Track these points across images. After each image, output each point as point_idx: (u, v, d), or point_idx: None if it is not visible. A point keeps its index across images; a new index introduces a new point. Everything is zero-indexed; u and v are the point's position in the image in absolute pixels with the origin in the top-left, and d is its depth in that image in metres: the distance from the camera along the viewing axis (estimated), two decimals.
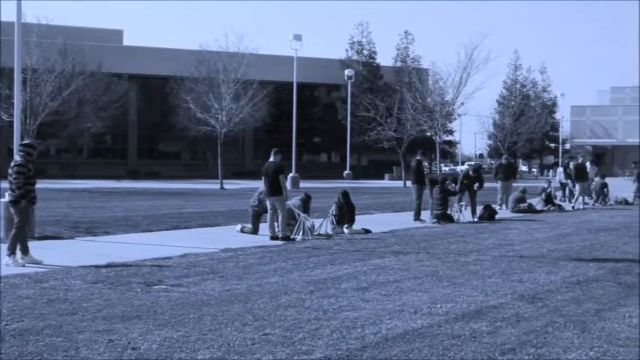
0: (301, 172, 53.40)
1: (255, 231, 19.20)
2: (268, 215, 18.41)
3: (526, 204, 28.34)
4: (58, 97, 47.08)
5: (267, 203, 18.46)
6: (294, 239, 17.92)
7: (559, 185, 36.12)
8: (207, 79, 52.32)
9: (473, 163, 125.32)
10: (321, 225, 19.40)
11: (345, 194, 20.68)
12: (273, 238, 17.84)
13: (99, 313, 9.41)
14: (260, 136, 74.41)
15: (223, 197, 37.25)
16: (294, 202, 19.78)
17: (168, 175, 66.28)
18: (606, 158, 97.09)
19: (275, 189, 18.14)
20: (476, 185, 25.71)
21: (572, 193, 33.25)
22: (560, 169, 35.43)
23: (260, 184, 19.17)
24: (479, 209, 25.07)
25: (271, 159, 18.41)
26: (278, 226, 18.08)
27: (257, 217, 19.42)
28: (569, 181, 33.60)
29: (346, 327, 8.92)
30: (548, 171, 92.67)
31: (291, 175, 50.04)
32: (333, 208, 20.27)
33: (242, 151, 78.45)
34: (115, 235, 18.81)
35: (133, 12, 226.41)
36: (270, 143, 77.08)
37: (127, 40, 79.89)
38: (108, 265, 13.26)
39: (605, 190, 34.12)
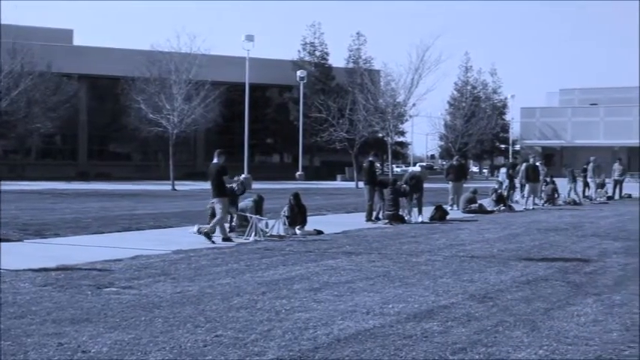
0: (253, 173, 53.23)
1: (213, 232, 19.07)
2: (217, 217, 18.16)
3: (477, 204, 28.58)
4: (7, 97, 46.46)
5: (215, 205, 18.33)
6: (230, 239, 17.85)
7: (518, 186, 36.35)
8: (159, 79, 52.02)
9: (424, 164, 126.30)
10: (273, 226, 19.38)
11: (295, 196, 20.69)
12: (225, 239, 17.73)
13: (48, 317, 9.29)
14: (212, 137, 74.08)
15: (175, 198, 37.05)
16: (246, 203, 19.75)
17: (119, 176, 65.72)
18: (555, 159, 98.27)
19: (219, 190, 18.05)
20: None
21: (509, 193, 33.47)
22: (502, 170, 35.74)
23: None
24: (431, 210, 25.23)
25: (215, 160, 18.30)
26: (222, 228, 17.98)
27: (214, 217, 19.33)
28: (509, 181, 33.67)
29: (298, 328, 8.92)
30: (499, 171, 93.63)
31: (243, 176, 49.83)
32: (285, 209, 20.28)
33: (194, 152, 78.08)
34: (65, 237, 18.58)
35: (83, 11, 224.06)
36: (222, 144, 76.77)
37: (77, 40, 79.10)
38: (57, 268, 13.09)
39: (556, 194, 34.54)
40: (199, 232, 18.20)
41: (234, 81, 64.98)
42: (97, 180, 60.69)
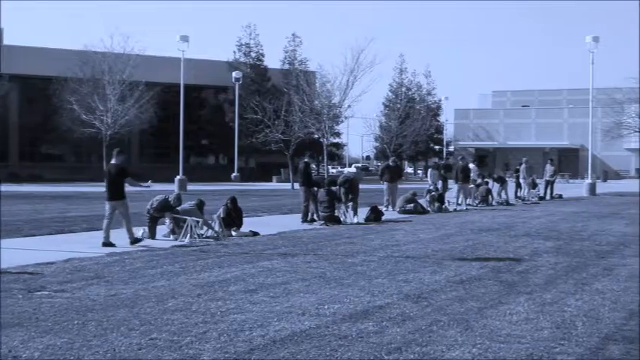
0: (188, 174, 52.89)
1: (152, 235, 18.88)
2: (105, 220, 17.34)
3: (412, 205, 28.80)
4: None
5: (106, 207, 17.42)
6: (141, 240, 17.38)
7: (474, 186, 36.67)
8: (92, 80, 51.46)
9: (360, 165, 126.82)
10: (208, 229, 19.31)
11: (233, 200, 20.64)
12: (106, 244, 16.81)
13: None
14: (147, 139, 73.42)
15: None
16: (185, 206, 19.63)
17: (51, 178, 64.59)
18: (488, 160, 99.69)
19: (116, 192, 17.25)
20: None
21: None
22: (430, 171, 36.09)
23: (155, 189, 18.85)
24: (366, 211, 25.36)
25: (113, 160, 17.53)
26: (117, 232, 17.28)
27: (153, 221, 19.14)
28: (440, 181, 33.96)
29: (234, 330, 8.90)
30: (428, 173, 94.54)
31: (178, 177, 49.56)
32: (221, 210, 20.22)
33: (128, 153, 77.13)
34: None
35: (13, 10, 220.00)
36: (157, 145, 76.61)
37: (7, 39, 77.50)
38: None
39: (490, 195, 34.98)
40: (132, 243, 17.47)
41: (169, 82, 64.47)
42: (29, 182, 59.58)
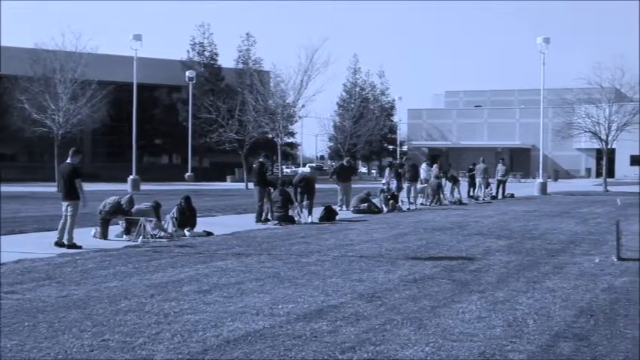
0: (142, 174, 52.51)
1: (104, 236, 18.69)
2: (62, 220, 17.14)
3: (366, 204, 28.88)
4: None
5: (63, 207, 17.22)
6: (80, 246, 16.74)
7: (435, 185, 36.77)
8: (43, 78, 50.76)
9: (314, 164, 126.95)
10: (163, 228, 19.20)
11: (187, 199, 20.54)
12: (58, 244, 16.67)
13: None
14: (99, 138, 72.70)
15: (60, 200, 36.10)
16: (141, 207, 19.49)
17: (3, 178, 63.59)
18: (441, 160, 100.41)
19: (69, 192, 17.03)
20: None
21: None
22: (387, 170, 36.25)
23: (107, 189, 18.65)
24: (320, 210, 25.39)
25: (68, 160, 17.31)
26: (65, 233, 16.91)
27: (105, 222, 18.95)
28: (395, 180, 34.12)
29: (187, 330, 8.86)
30: (384, 172, 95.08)
31: (131, 177, 49.20)
32: (174, 210, 20.12)
33: (81, 152, 76.29)
34: None
35: None
36: (109, 145, 75.91)
37: None
38: None
39: (441, 190, 35.24)
40: (57, 244, 16.91)
41: (122, 81, 63.90)
42: None
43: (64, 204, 17.14)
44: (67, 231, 16.87)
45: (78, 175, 17.07)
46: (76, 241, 16.79)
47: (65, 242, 16.75)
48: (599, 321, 9.70)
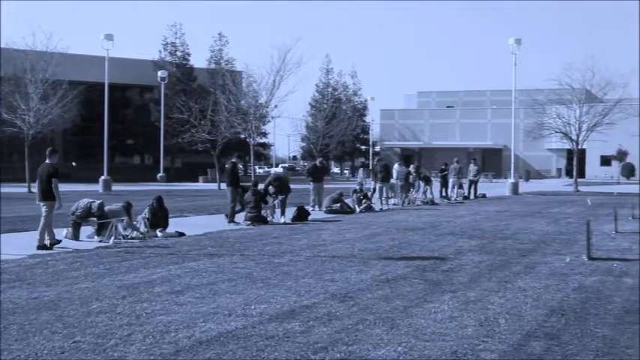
0: (113, 174, 52.21)
1: (75, 237, 18.56)
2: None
3: (339, 205, 28.91)
4: None
5: (41, 208, 17.11)
6: (51, 247, 16.72)
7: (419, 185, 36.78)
8: (14, 78, 50.30)
9: (287, 165, 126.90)
10: (136, 228, 19.12)
11: (158, 199, 20.45)
12: (41, 247, 16.56)
13: None
14: (70, 138, 72.18)
15: (32, 201, 35.74)
16: (112, 207, 19.37)
17: None
18: (414, 160, 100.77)
19: (47, 193, 16.90)
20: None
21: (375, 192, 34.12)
22: (360, 170, 36.33)
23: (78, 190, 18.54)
24: (292, 211, 25.39)
25: (47, 160, 17.15)
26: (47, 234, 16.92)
27: (77, 224, 18.82)
28: (371, 181, 34.17)
29: (159, 331, 8.82)
30: (357, 172, 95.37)
31: (102, 178, 48.93)
32: (146, 211, 20.03)
33: (57, 152, 75.62)
34: None
35: None
36: (81, 145, 75.37)
37: None
38: None
39: (412, 189, 35.34)
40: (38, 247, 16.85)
41: (94, 81, 63.42)
42: None
43: (41, 204, 17.04)
44: (38, 232, 16.81)
45: (56, 175, 16.96)
46: (36, 241, 16.68)
47: (47, 244, 16.71)
48: (570, 320, 9.77)
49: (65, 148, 74.18)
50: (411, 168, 37.85)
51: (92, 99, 66.54)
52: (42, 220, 16.83)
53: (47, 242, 16.75)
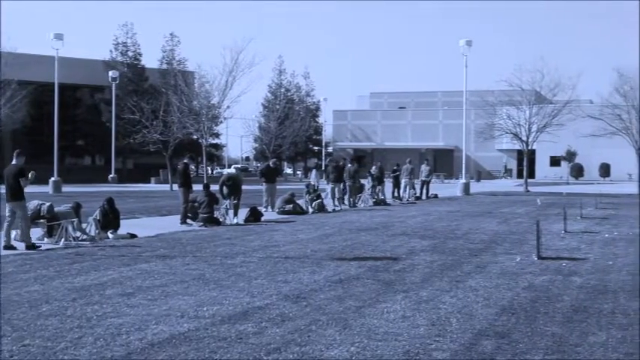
0: (64, 176, 51.63)
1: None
2: (5, 222, 17.29)
3: (291, 205, 28.91)
4: None
5: (6, 209, 17.32)
6: (39, 246, 17.16)
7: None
8: None
9: (239, 165, 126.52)
10: (84, 230, 18.93)
11: (109, 201, 20.25)
12: (8, 247, 16.72)
13: None
14: (19, 139, 71.14)
15: None
16: (61, 209, 19.14)
17: None
18: (366, 160, 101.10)
19: (15, 194, 17.08)
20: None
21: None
22: (314, 171, 36.37)
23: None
24: (245, 212, 25.32)
25: (14, 161, 17.32)
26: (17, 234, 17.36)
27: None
28: (324, 181, 34.20)
29: (110, 334, 8.75)
30: (310, 173, 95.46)
31: (52, 179, 48.34)
32: (97, 213, 19.84)
33: (1, 153, 74.71)
34: None
35: None
36: (30, 146, 74.30)
37: None
38: None
39: (362, 191, 35.48)
40: (5, 247, 16.96)
41: (43, 80, 62.69)
42: None
43: (9, 206, 17.24)
44: (22, 234, 17.17)
45: (23, 175, 17.11)
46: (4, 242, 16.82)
47: (25, 244, 16.99)
48: (520, 319, 9.88)
49: (14, 149, 73.20)
50: (373, 169, 37.91)
51: (42, 99, 65.70)
52: (22, 220, 17.17)
53: (4, 243, 16.85)
